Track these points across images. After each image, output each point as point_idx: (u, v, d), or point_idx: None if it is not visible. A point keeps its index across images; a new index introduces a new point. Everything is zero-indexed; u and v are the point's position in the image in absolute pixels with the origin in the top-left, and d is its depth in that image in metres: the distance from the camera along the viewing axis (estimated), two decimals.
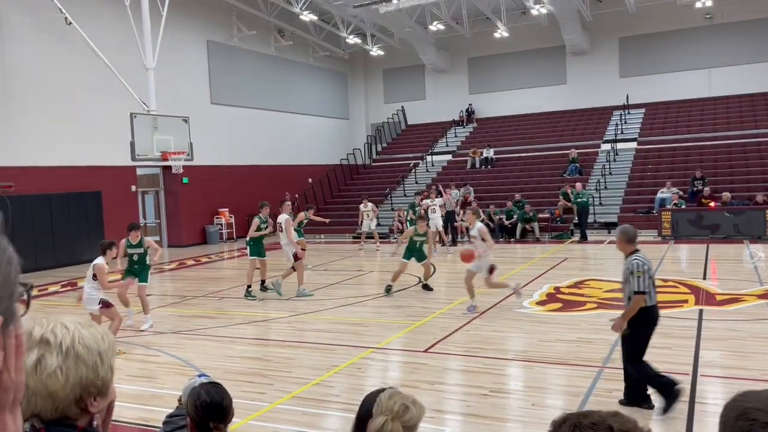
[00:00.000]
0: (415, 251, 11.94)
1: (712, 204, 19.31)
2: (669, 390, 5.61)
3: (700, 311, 9.51)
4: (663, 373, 5.75)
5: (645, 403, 5.77)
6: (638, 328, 5.68)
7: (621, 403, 5.79)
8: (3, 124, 16.94)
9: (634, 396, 5.83)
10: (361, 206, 20.27)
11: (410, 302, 11.23)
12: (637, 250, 5.81)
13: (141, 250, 10.02)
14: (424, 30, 27.81)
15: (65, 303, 12.20)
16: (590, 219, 20.62)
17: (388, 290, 11.76)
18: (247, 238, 12.58)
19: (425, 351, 8.03)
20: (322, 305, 11.24)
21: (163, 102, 17.76)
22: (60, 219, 18.02)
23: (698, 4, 24.91)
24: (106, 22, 18.84)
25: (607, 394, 6.17)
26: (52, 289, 14.39)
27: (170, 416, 3.07)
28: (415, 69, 31.73)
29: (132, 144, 15.59)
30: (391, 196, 25.52)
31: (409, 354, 8.07)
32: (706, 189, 19.87)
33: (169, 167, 18.58)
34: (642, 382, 5.76)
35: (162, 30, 16.83)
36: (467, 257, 10.04)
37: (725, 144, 23.44)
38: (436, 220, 17.96)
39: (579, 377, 6.78)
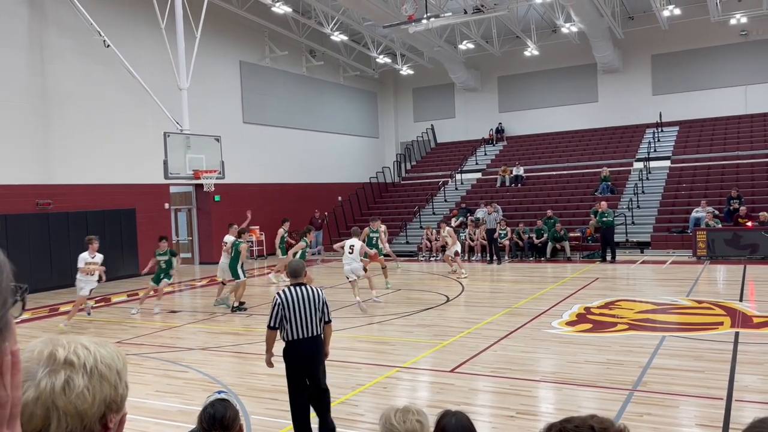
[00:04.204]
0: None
1: (750, 223, 18.84)
2: None
3: (736, 334, 9.25)
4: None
5: None
6: None
7: None
8: (42, 143, 17.45)
9: None
10: (443, 231, 18.76)
11: (437, 321, 11.16)
12: (298, 285, 5.74)
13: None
14: (453, 49, 27.92)
15: (97, 319, 12.39)
16: (622, 238, 20.29)
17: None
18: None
19: (452, 371, 7.96)
20: (349, 323, 11.23)
21: (196, 121, 18.11)
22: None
23: (733, 21, 24.59)
24: (142, 44, 19.35)
25: (638, 418, 6.02)
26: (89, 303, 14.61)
27: None
28: (445, 88, 31.81)
29: (165, 162, 15.89)
30: (420, 215, 25.50)
31: (436, 374, 8.00)
32: (743, 208, 19.41)
33: (202, 185, 18.88)
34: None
35: (196, 51, 17.21)
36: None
37: (763, 162, 22.90)
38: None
39: (608, 400, 6.63)
